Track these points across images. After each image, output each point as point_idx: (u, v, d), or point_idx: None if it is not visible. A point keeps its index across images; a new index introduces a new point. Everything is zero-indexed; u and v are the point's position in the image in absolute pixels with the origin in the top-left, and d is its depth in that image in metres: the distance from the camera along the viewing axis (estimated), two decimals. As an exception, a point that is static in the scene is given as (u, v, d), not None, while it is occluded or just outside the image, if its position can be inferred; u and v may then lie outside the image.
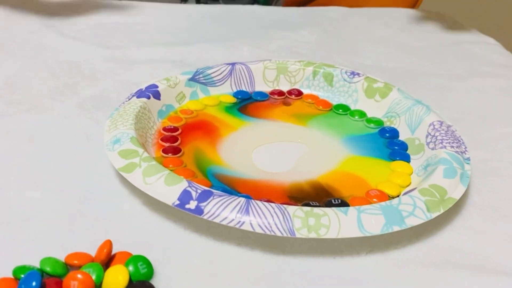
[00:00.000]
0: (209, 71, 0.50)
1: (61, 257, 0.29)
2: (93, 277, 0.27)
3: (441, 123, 0.43)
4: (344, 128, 0.46)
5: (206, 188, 0.32)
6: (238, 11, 0.76)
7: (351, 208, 0.32)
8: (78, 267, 0.28)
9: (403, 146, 0.43)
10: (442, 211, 0.33)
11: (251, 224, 0.30)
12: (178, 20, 0.70)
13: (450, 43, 0.70)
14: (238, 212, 0.31)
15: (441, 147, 0.40)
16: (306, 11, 0.79)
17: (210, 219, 0.31)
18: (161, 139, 0.41)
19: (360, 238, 0.33)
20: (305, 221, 0.31)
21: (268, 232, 0.30)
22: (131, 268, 0.28)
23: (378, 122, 0.47)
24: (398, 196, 0.37)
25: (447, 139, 0.41)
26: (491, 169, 0.42)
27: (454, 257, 0.32)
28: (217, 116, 0.46)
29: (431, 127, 0.43)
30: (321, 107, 0.49)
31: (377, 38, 0.70)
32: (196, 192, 0.32)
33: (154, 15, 0.71)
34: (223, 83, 0.50)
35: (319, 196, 0.37)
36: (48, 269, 0.27)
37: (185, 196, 0.32)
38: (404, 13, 0.81)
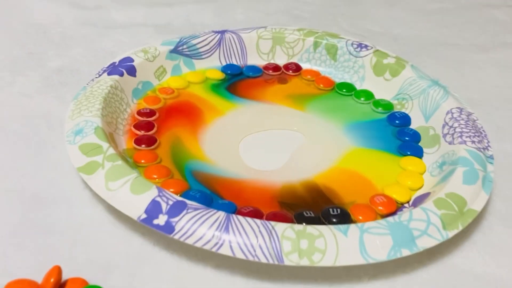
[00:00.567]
0: (195, 41, 0.43)
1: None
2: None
3: (461, 110, 0.37)
4: (348, 113, 0.40)
5: (179, 199, 0.27)
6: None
7: (352, 227, 0.26)
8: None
9: (415, 136, 0.37)
10: (460, 228, 0.28)
11: (231, 247, 0.25)
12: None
13: (469, 5, 0.62)
14: (216, 229, 0.26)
15: (460, 142, 0.34)
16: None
17: (182, 239, 0.25)
18: (134, 126, 0.35)
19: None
20: (296, 243, 0.25)
21: (251, 258, 0.25)
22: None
23: (387, 106, 0.40)
24: (408, 202, 0.32)
25: (467, 132, 0.35)
26: (517, 166, 0.36)
27: (474, 285, 0.27)
28: (202, 97, 0.40)
29: (449, 115, 0.37)
30: (321, 85, 0.43)
31: (388, 0, 0.63)
32: (167, 203, 0.27)
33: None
34: (211, 55, 0.44)
35: (315, 202, 0.31)
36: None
37: (153, 209, 0.27)
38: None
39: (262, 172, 0.33)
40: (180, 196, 0.30)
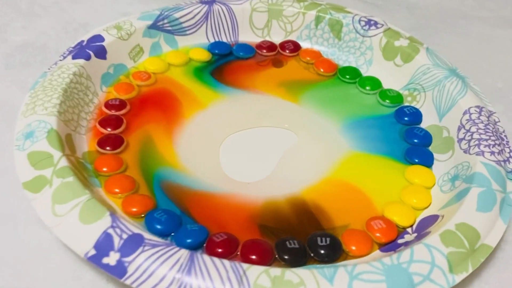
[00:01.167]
0: (178, 14, 0.38)
1: None
2: None
3: (480, 110, 0.32)
4: (349, 106, 0.35)
5: (136, 231, 0.23)
6: None
7: (340, 272, 0.22)
8: None
9: (426, 139, 0.32)
10: (470, 270, 0.24)
11: (192, 297, 0.21)
12: None
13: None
14: (178, 271, 0.22)
15: (477, 153, 0.29)
16: None
17: (134, 285, 0.21)
18: (100, 123, 0.31)
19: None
20: (271, 293, 0.21)
21: (215, 311, 0.21)
22: None
23: (396, 98, 0.35)
24: (411, 226, 0.27)
25: (486, 138, 0.30)
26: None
27: None
28: (182, 84, 0.35)
29: (466, 116, 0.31)
30: (322, 70, 0.37)
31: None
32: (121, 237, 0.22)
33: None
34: (196, 31, 0.38)
35: (301, 225, 0.27)
36: None
37: (104, 243, 0.22)
38: None
39: (243, 185, 0.28)
40: (144, 217, 0.26)
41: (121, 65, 0.35)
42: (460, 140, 0.31)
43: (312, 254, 0.25)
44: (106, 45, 0.34)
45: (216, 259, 0.22)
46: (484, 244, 0.25)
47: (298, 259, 0.25)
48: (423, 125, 0.34)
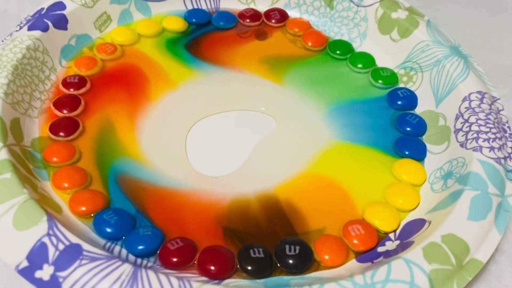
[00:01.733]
0: (151, -23, 0.34)
1: None
2: None
3: (482, 96, 0.28)
4: (337, 87, 0.31)
5: (74, 241, 0.20)
6: None
7: (304, 294, 0.19)
8: None
9: (419, 127, 0.29)
10: (455, 291, 0.21)
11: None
12: None
13: None
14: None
15: (474, 148, 0.26)
16: None
17: (69, 305, 0.19)
18: (54, 104, 0.28)
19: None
20: (223, 318, 0.19)
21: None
22: None
23: (389, 79, 0.31)
24: (394, 231, 0.24)
25: (485, 131, 0.26)
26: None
27: None
28: (153, 58, 0.31)
29: (466, 103, 0.28)
30: (309, 44, 0.33)
31: None
32: (56, 248, 0.20)
33: None
34: (172, -4, 0.35)
35: (272, 228, 0.24)
36: None
37: (38, 254, 0.20)
38: None
39: (209, 180, 0.26)
40: (93, 217, 0.23)
41: (84, 36, 0.31)
42: (457, 131, 0.27)
43: (279, 264, 0.22)
44: (68, 14, 0.31)
45: (162, 276, 0.19)
46: (473, 259, 0.22)
47: (262, 270, 0.22)
48: (418, 110, 0.30)
